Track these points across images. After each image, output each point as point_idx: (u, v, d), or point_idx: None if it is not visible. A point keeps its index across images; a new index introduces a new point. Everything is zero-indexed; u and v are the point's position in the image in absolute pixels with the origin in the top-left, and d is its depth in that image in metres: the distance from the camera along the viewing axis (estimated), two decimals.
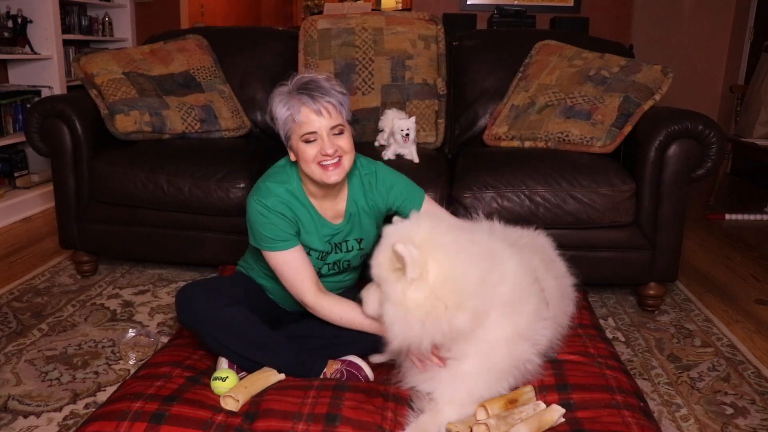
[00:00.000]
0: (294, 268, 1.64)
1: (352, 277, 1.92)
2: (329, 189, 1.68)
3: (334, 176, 1.59)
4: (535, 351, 1.50)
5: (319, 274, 1.75)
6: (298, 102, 1.55)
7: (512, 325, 1.45)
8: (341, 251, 1.77)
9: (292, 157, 1.66)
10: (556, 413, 1.43)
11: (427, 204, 1.81)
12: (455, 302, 1.37)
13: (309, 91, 1.55)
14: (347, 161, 1.62)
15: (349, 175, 1.72)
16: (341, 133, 1.59)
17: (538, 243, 1.76)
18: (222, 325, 1.62)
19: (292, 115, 1.56)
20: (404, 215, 1.78)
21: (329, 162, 1.58)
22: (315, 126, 1.56)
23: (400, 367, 1.60)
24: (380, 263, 1.44)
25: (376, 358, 1.75)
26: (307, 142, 1.57)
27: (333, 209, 1.74)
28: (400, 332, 1.40)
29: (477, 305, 1.39)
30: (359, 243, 1.79)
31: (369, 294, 1.53)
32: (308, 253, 1.71)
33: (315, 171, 1.60)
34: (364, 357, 1.76)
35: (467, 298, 1.38)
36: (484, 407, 1.44)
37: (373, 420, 1.45)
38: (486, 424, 1.38)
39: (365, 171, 1.76)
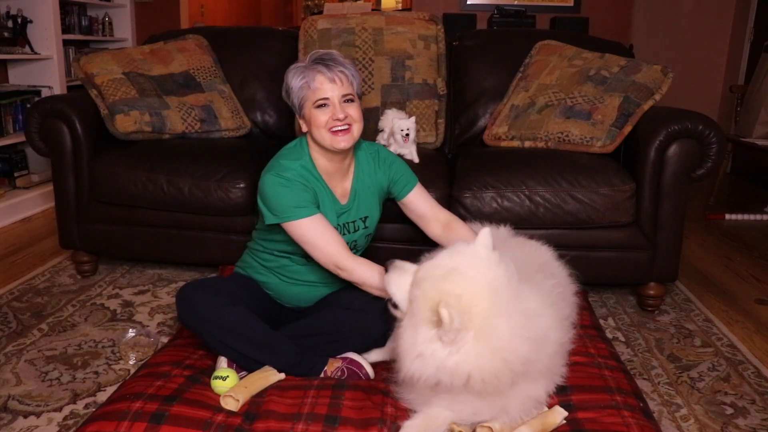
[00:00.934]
0: (324, 233, 1.66)
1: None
2: (340, 163, 1.75)
3: (343, 142, 1.68)
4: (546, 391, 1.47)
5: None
6: (314, 71, 1.67)
7: (541, 388, 1.42)
8: (349, 232, 1.81)
9: (304, 128, 1.73)
10: (559, 415, 1.43)
11: (417, 190, 1.91)
12: (508, 372, 1.27)
13: (324, 61, 1.67)
14: (356, 130, 1.71)
15: (355, 152, 1.82)
16: (352, 101, 1.70)
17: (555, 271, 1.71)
18: (222, 324, 1.63)
19: (308, 83, 1.66)
20: (395, 194, 1.89)
21: (339, 128, 1.68)
22: (328, 92, 1.67)
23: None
24: (425, 292, 1.31)
25: (373, 357, 1.75)
26: (320, 107, 1.67)
27: (341, 186, 1.80)
28: (413, 370, 1.32)
29: (509, 381, 1.29)
30: (364, 222, 1.83)
31: (400, 280, 1.44)
32: None
33: (326, 137, 1.68)
34: (364, 353, 1.76)
35: (502, 381, 1.28)
36: None
37: (373, 416, 1.45)
38: (490, 427, 1.37)
39: (369, 150, 1.87)
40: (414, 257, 2.25)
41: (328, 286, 1.87)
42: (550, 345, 1.38)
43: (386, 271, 1.48)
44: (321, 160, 1.75)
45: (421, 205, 1.93)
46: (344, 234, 1.79)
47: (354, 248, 1.85)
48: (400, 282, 1.43)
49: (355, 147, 1.83)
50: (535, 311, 1.34)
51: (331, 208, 1.75)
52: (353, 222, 1.81)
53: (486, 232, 1.37)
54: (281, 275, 1.83)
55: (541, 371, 1.39)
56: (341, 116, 1.66)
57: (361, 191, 1.82)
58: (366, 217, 1.83)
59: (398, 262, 1.47)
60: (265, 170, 1.72)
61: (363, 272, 1.67)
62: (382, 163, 1.86)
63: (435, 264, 1.35)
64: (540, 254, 1.76)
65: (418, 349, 1.29)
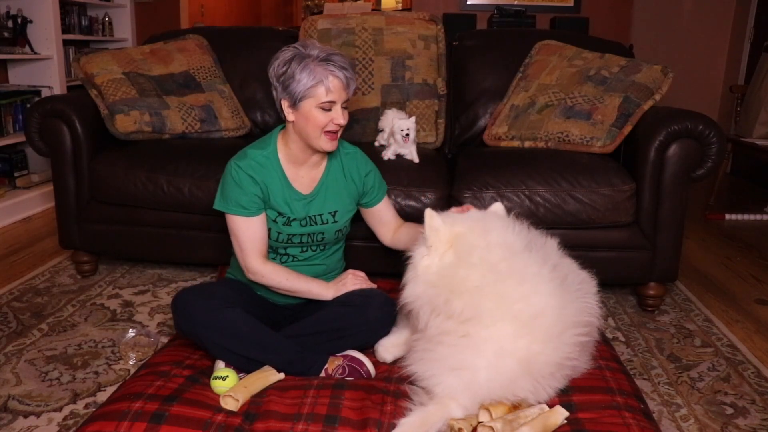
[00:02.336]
0: (248, 236, 1.74)
1: (334, 260, 1.94)
2: (311, 155, 1.80)
3: (332, 145, 1.74)
4: (558, 372, 1.50)
5: (291, 248, 1.83)
6: (327, 72, 1.66)
7: (527, 343, 1.43)
8: (315, 224, 1.83)
9: (291, 118, 1.74)
10: (560, 416, 1.43)
11: (386, 200, 1.97)
12: (448, 291, 1.46)
13: (337, 63, 1.68)
14: (340, 133, 1.77)
15: None
16: (347, 108, 1.74)
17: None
18: (220, 328, 1.63)
19: (321, 82, 1.66)
20: (365, 202, 1.93)
21: (334, 130, 1.72)
22: (336, 97, 1.69)
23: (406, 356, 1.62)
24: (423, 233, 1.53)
25: (383, 353, 1.75)
26: (323, 109, 1.69)
27: (308, 176, 1.83)
28: (409, 291, 1.52)
29: (466, 307, 1.45)
30: (333, 216, 1.84)
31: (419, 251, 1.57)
32: (275, 220, 1.78)
33: (319, 137, 1.72)
34: (365, 352, 1.76)
35: (457, 296, 1.45)
36: (487, 410, 1.43)
37: (372, 416, 1.45)
38: (491, 427, 1.37)
39: (346, 150, 1.90)
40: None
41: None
42: (534, 307, 1.44)
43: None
44: (294, 150, 1.78)
45: (386, 214, 1.98)
46: (311, 225, 1.82)
47: (322, 242, 1.86)
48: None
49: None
50: (522, 273, 1.47)
51: (284, 195, 1.78)
52: (320, 215, 1.83)
53: (498, 205, 1.66)
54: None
55: (538, 352, 1.43)
56: (343, 122, 1.71)
57: (330, 185, 1.84)
58: (335, 212, 1.85)
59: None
60: (234, 157, 1.78)
61: (279, 272, 1.77)
62: (360, 167, 1.89)
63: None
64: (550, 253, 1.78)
65: (412, 262, 1.54)
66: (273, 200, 1.77)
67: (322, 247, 1.88)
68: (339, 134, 1.75)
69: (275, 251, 1.84)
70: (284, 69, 1.71)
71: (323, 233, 1.85)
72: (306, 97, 1.69)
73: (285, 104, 1.74)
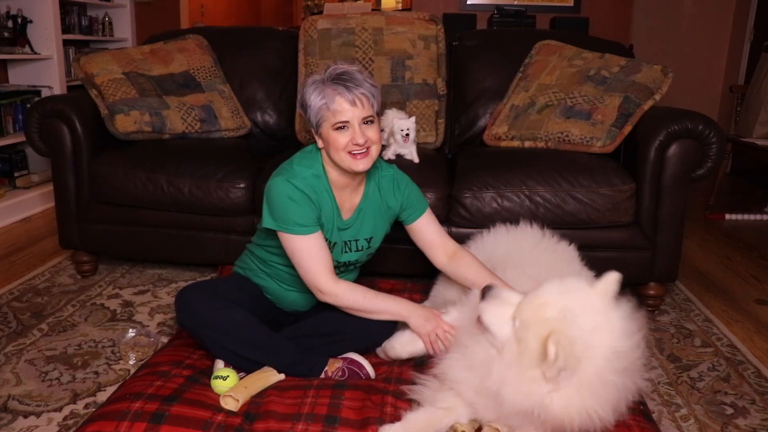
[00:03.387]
0: (314, 254, 1.64)
1: (353, 276, 1.93)
2: (352, 178, 1.72)
3: (362, 165, 1.64)
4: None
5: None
6: (333, 92, 1.60)
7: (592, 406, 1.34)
8: (351, 251, 1.78)
9: (320, 144, 1.69)
10: None
11: (426, 217, 1.85)
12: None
13: (344, 81, 1.60)
14: (375, 151, 1.66)
15: (368, 171, 1.75)
16: (372, 122, 1.64)
17: None
18: (222, 327, 1.63)
19: (327, 104, 1.60)
20: (404, 218, 1.83)
21: (358, 151, 1.63)
22: (348, 116, 1.61)
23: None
24: (534, 332, 1.27)
25: (399, 351, 1.73)
26: (339, 129, 1.62)
27: (350, 201, 1.76)
28: (511, 402, 1.29)
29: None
30: (368, 242, 1.80)
31: (499, 311, 1.37)
32: None
33: (344, 159, 1.64)
34: (365, 354, 1.76)
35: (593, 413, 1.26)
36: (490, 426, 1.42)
37: (372, 415, 1.45)
38: (497, 428, 1.38)
39: (384, 172, 1.81)
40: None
41: None
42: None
43: (482, 296, 1.40)
44: (333, 173, 1.71)
45: (428, 232, 1.85)
46: (346, 252, 1.77)
47: (355, 268, 1.84)
48: (499, 313, 1.36)
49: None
50: (634, 363, 1.30)
51: (333, 221, 1.72)
52: (356, 241, 1.77)
53: (613, 279, 1.36)
54: (279, 281, 1.83)
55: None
56: (361, 141, 1.61)
57: (367, 210, 1.77)
58: (371, 238, 1.80)
59: (496, 289, 1.41)
60: (276, 172, 1.68)
61: (356, 292, 1.67)
62: (396, 187, 1.80)
63: (543, 301, 1.29)
64: (570, 266, 1.74)
65: (521, 384, 1.26)
66: (323, 220, 1.69)
67: (351, 272, 1.87)
68: (371, 152, 1.64)
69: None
70: (301, 97, 1.67)
71: (357, 259, 1.81)
72: (321, 121, 1.64)
73: (313, 131, 1.69)
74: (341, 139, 1.61)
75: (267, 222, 1.67)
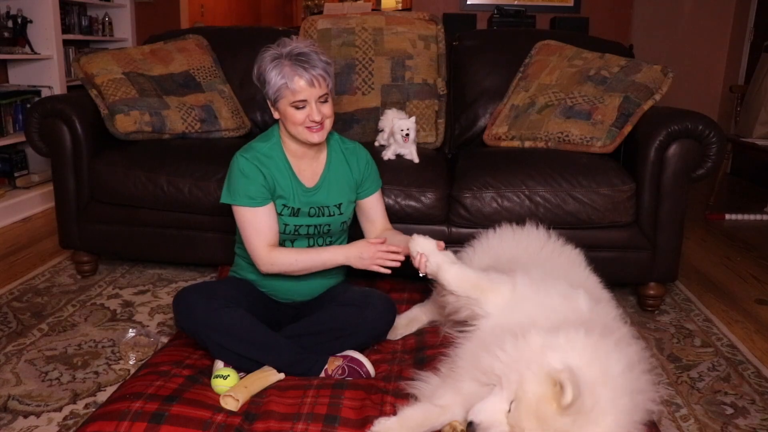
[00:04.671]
0: (257, 227, 1.74)
1: (334, 281, 1.94)
2: (308, 148, 1.83)
3: (317, 137, 1.74)
4: None
5: (298, 241, 1.84)
6: (292, 72, 1.68)
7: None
8: (323, 215, 1.84)
9: (276, 115, 1.78)
10: None
11: (378, 195, 1.97)
12: None
13: (302, 63, 1.68)
14: (329, 123, 1.77)
15: (329, 141, 1.89)
16: (326, 101, 1.74)
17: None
18: (221, 327, 1.63)
19: (287, 83, 1.68)
20: (359, 193, 1.92)
21: (315, 126, 1.74)
22: (306, 95, 1.69)
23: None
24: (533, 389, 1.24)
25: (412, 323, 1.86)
26: (297, 108, 1.71)
27: (310, 169, 1.85)
28: None
29: None
30: (339, 208, 1.86)
31: (490, 404, 1.31)
32: (281, 212, 1.78)
33: (301, 132, 1.74)
34: (365, 350, 1.77)
35: None
36: None
37: (372, 415, 1.45)
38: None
39: (347, 145, 1.93)
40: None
41: (319, 277, 1.87)
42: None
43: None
44: (290, 144, 1.82)
45: (375, 211, 1.97)
46: (317, 216, 1.83)
47: (328, 233, 1.87)
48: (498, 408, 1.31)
49: (329, 137, 1.88)
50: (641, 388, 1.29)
51: (292, 188, 1.80)
52: (327, 207, 1.84)
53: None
54: (273, 275, 1.83)
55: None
56: (318, 118, 1.71)
57: (332, 178, 1.86)
58: (340, 204, 1.87)
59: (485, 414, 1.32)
60: (240, 150, 1.80)
61: (289, 254, 1.76)
62: (358, 160, 1.91)
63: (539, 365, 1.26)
64: (577, 270, 1.73)
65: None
66: (279, 190, 1.78)
67: (328, 239, 1.89)
68: (325, 125, 1.75)
69: (282, 244, 1.84)
70: (259, 70, 1.74)
71: (329, 224, 1.86)
72: (279, 98, 1.72)
73: (269, 102, 1.78)
74: (299, 115, 1.71)
75: (223, 197, 1.79)
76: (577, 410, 1.18)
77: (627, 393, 1.25)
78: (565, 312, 1.42)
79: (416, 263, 1.64)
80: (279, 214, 1.79)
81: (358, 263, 1.75)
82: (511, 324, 1.39)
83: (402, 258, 1.72)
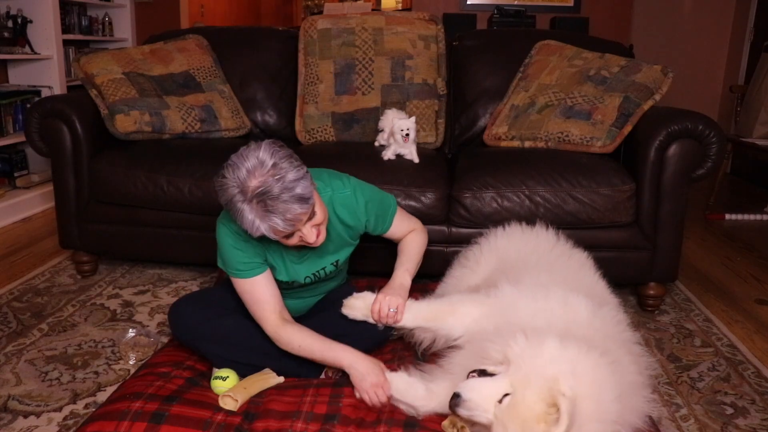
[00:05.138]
0: (256, 298, 1.61)
1: (333, 283, 1.90)
2: None
3: (318, 242, 1.55)
4: None
5: (293, 287, 1.74)
6: (267, 225, 1.42)
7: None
8: (320, 278, 1.76)
9: None
10: None
11: (394, 226, 1.80)
12: None
13: (271, 210, 1.41)
14: (324, 225, 1.56)
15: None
16: (314, 214, 1.50)
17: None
18: (217, 337, 1.63)
19: (264, 234, 1.45)
20: (373, 232, 1.79)
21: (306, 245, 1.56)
22: (289, 231, 1.47)
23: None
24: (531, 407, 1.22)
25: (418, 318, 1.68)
26: (286, 238, 1.50)
27: None
28: None
29: None
30: (336, 265, 1.77)
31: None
32: (276, 278, 1.68)
33: (299, 245, 1.56)
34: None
35: None
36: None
37: (371, 414, 1.45)
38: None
39: (340, 193, 1.68)
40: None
41: (321, 295, 1.87)
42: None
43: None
44: None
45: (396, 234, 1.84)
46: (315, 280, 1.74)
47: (326, 279, 1.79)
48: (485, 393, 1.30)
49: (322, 194, 1.65)
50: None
51: (283, 259, 1.67)
52: (323, 268, 1.73)
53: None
54: None
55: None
56: (312, 239, 1.51)
57: (327, 241, 1.68)
58: (337, 261, 1.76)
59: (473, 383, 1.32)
60: (221, 216, 1.63)
61: (294, 338, 1.59)
62: (353, 213, 1.69)
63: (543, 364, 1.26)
64: (585, 275, 1.71)
65: None
66: (272, 261, 1.66)
67: (325, 281, 1.83)
68: (320, 230, 1.54)
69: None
70: (227, 205, 1.46)
71: (327, 275, 1.79)
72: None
73: None
74: (290, 242, 1.51)
75: (219, 262, 1.66)
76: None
77: (613, 422, 1.24)
78: (565, 320, 1.41)
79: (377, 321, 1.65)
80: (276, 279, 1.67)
81: (356, 380, 1.54)
82: (510, 325, 1.39)
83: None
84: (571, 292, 1.48)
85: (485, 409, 1.26)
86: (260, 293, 1.61)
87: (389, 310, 1.63)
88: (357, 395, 1.52)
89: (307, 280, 1.73)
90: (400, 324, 1.63)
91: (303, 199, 1.43)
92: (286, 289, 1.73)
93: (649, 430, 1.42)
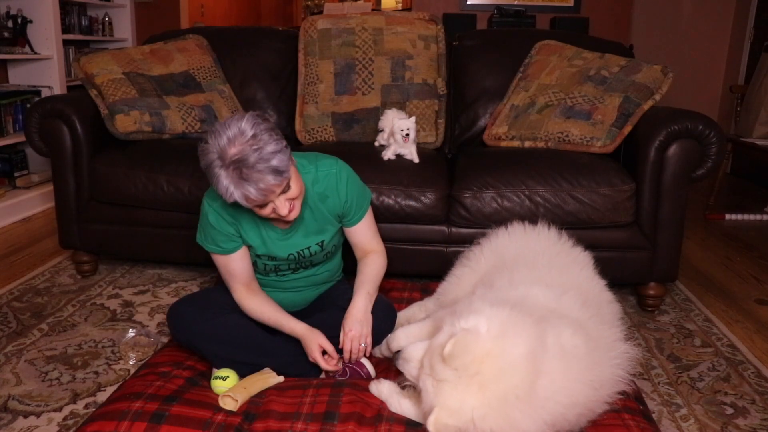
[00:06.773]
0: (229, 270, 1.71)
1: (334, 266, 1.89)
2: None
3: (291, 217, 1.57)
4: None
5: (279, 270, 1.78)
6: (241, 191, 1.45)
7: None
8: (305, 257, 1.75)
9: None
10: None
11: (363, 223, 1.80)
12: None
13: (246, 178, 1.43)
14: (299, 201, 1.58)
15: (303, 176, 1.67)
16: (288, 188, 1.52)
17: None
18: (217, 337, 1.63)
19: (237, 201, 1.48)
20: (343, 223, 1.80)
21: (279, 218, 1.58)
22: (261, 201, 1.50)
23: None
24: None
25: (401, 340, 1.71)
26: (259, 207, 1.53)
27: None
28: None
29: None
30: (321, 245, 1.76)
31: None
32: (258, 255, 1.71)
33: (272, 218, 1.59)
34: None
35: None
36: None
37: (371, 414, 1.45)
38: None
39: (325, 170, 1.71)
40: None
41: (317, 288, 1.87)
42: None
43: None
44: None
45: (357, 237, 1.82)
46: (299, 259, 1.74)
47: (309, 264, 1.79)
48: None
49: (303, 172, 1.66)
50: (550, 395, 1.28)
51: (260, 235, 1.69)
52: (308, 248, 1.73)
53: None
54: (265, 287, 1.81)
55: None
56: (284, 212, 1.52)
57: (309, 218, 1.71)
58: (322, 241, 1.75)
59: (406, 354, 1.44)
60: (207, 193, 1.69)
61: (257, 308, 1.71)
62: (338, 189, 1.72)
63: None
64: (582, 276, 1.70)
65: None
66: (247, 239, 1.68)
67: (314, 268, 1.83)
68: (295, 205, 1.56)
69: (266, 274, 1.78)
70: (207, 171, 1.49)
71: (312, 258, 1.78)
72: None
73: None
74: (263, 212, 1.53)
75: (197, 236, 1.74)
76: (455, 366, 1.25)
77: (522, 377, 1.25)
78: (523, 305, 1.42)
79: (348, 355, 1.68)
80: (257, 256, 1.71)
81: (307, 342, 1.66)
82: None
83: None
84: (533, 286, 1.50)
85: (418, 360, 1.37)
86: (233, 268, 1.71)
87: (360, 345, 1.69)
88: (311, 357, 1.66)
89: (291, 257, 1.73)
90: (397, 346, 1.66)
91: (278, 171, 1.45)
92: (275, 272, 1.77)
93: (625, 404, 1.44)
